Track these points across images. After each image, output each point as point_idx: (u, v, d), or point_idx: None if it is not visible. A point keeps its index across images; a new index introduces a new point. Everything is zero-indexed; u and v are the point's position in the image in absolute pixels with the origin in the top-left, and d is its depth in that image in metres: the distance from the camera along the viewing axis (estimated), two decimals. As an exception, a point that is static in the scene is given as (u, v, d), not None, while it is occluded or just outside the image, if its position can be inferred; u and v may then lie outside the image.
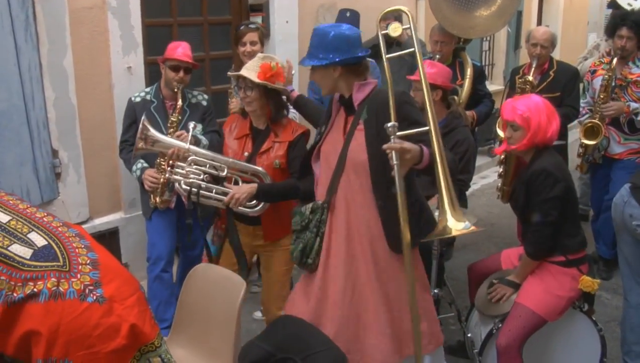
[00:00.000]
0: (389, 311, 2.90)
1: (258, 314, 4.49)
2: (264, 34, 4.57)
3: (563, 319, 3.33)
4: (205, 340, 2.98)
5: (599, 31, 9.98)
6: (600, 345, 3.43)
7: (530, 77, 4.65)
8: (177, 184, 3.41)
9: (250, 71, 3.36)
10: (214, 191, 3.37)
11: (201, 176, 3.35)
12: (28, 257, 1.55)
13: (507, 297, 3.38)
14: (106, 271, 1.63)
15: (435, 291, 3.83)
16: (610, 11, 6.47)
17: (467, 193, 4.48)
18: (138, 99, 4.00)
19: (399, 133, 2.59)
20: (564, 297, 3.28)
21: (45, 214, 1.72)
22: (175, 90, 3.89)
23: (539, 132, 3.24)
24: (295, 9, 5.60)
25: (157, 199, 3.87)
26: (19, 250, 1.55)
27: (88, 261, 1.62)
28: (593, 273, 3.43)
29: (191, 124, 3.56)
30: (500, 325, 3.34)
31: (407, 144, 2.59)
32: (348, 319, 2.92)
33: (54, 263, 1.56)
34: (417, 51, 2.76)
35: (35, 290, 1.50)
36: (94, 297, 1.56)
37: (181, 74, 3.89)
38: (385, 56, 2.77)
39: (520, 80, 4.69)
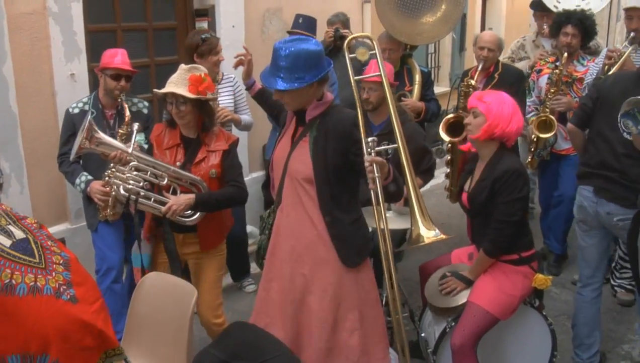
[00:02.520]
0: (329, 324, 2.94)
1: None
2: None
3: (515, 315, 3.38)
4: (157, 350, 2.93)
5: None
6: (550, 338, 3.50)
7: (472, 81, 4.69)
8: (114, 187, 3.30)
9: (179, 85, 3.28)
10: (152, 199, 3.30)
11: (140, 183, 3.28)
12: (8, 246, 1.55)
13: (458, 292, 3.40)
14: (76, 274, 1.67)
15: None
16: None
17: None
18: (76, 111, 3.91)
19: (377, 148, 2.70)
20: (516, 296, 3.32)
21: (18, 213, 1.73)
22: (119, 100, 3.86)
23: (499, 122, 3.22)
24: (242, 14, 5.56)
25: (108, 212, 3.72)
26: None
27: (61, 261, 1.66)
28: (542, 269, 3.50)
29: (135, 126, 3.45)
30: (453, 324, 3.37)
31: (383, 160, 2.71)
32: (291, 321, 2.99)
33: (31, 259, 1.58)
34: (383, 77, 3.05)
35: (13, 282, 1.51)
36: (68, 296, 1.60)
37: (122, 82, 3.85)
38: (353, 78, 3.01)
39: (463, 84, 4.75)
